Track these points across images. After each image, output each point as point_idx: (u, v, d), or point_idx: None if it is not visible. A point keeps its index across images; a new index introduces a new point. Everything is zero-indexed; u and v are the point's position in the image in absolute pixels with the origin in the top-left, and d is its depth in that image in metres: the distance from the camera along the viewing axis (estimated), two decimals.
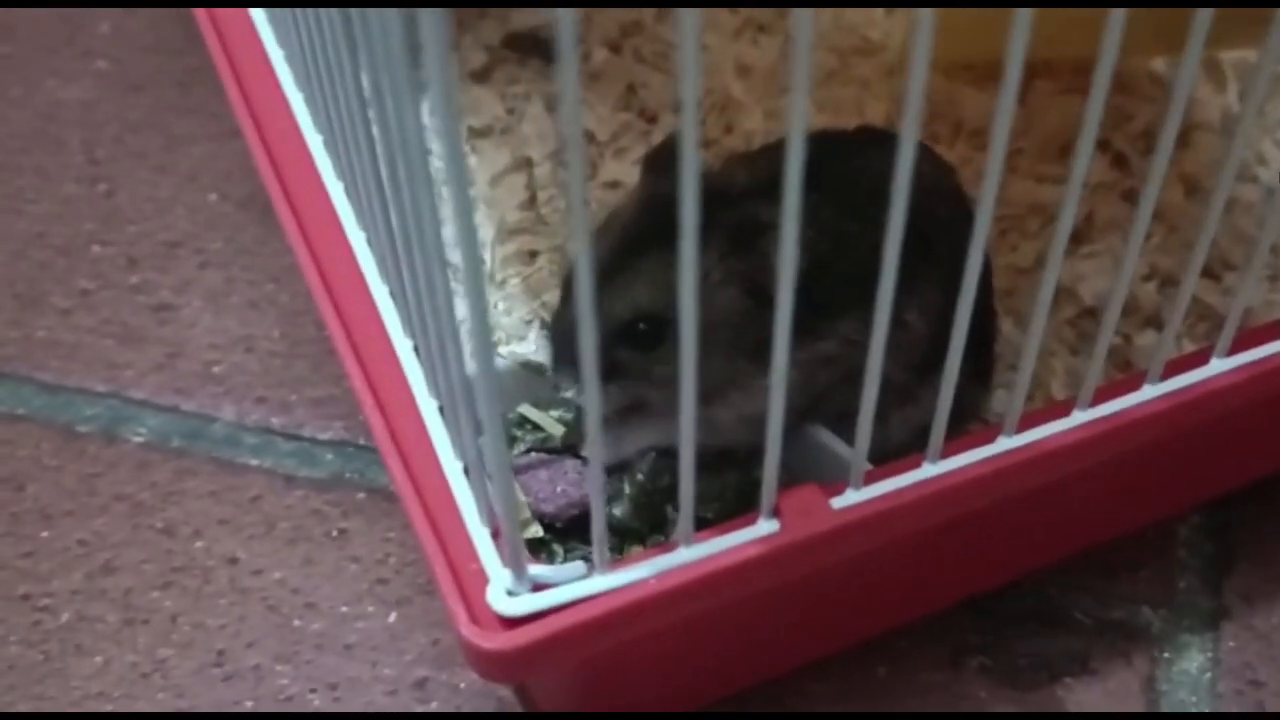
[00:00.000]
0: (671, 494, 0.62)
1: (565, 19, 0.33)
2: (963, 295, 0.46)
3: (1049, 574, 0.67)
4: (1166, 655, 0.65)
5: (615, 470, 0.62)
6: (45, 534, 0.69)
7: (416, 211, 0.42)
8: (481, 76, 0.85)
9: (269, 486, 0.71)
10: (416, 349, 0.56)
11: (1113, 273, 0.72)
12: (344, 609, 0.66)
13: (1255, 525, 0.69)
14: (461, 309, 0.71)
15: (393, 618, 0.66)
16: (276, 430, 0.73)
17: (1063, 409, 0.54)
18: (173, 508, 0.70)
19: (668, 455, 0.59)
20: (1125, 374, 0.69)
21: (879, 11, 0.87)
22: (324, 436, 0.73)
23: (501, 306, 0.73)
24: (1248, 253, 0.72)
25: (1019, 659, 0.64)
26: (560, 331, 0.59)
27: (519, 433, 0.63)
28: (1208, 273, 0.74)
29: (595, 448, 0.44)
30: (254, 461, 0.72)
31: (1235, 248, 0.75)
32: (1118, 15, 0.40)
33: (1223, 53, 0.83)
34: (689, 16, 0.33)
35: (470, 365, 0.43)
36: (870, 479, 0.51)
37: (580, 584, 0.48)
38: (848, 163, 0.60)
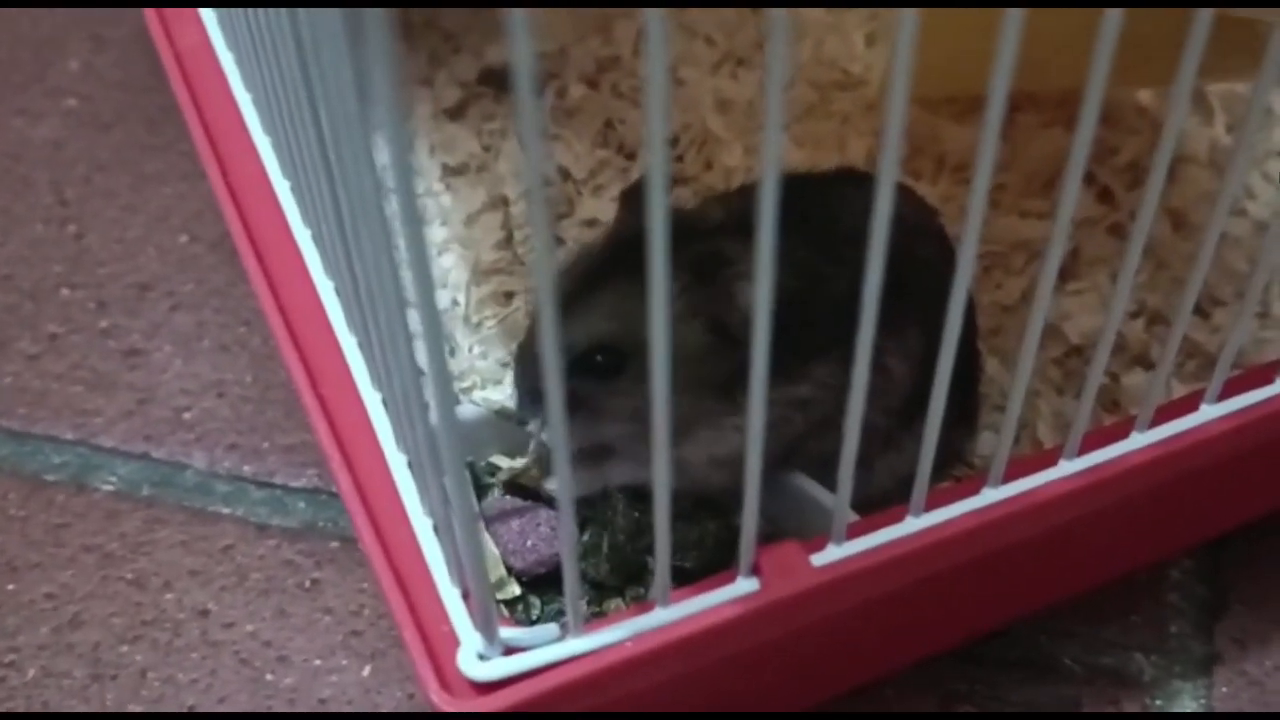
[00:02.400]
0: (648, 548, 0.61)
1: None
2: (945, 339, 0.45)
3: (1039, 620, 0.65)
4: (1159, 702, 0.63)
5: (593, 523, 0.60)
6: (11, 586, 0.67)
7: (375, 258, 0.40)
8: (456, 113, 0.83)
9: (241, 536, 0.69)
10: (385, 402, 0.54)
11: (1100, 310, 0.71)
12: (317, 662, 0.65)
13: (1248, 567, 0.68)
14: (422, 356, 0.71)
15: (367, 671, 0.64)
16: (248, 478, 0.72)
17: (1049, 457, 0.53)
18: (143, 558, 0.68)
19: (644, 502, 0.58)
20: (1113, 414, 0.68)
21: (859, 45, 0.86)
22: (296, 484, 0.71)
23: (477, 350, 0.71)
24: (1236, 288, 0.71)
25: (1009, 707, 0.63)
26: (523, 363, 0.58)
27: (491, 480, 0.62)
28: (1196, 309, 0.73)
29: (566, 513, 0.42)
30: (225, 510, 0.70)
31: (1223, 283, 0.73)
32: (1105, 46, 0.39)
33: (1209, 85, 0.82)
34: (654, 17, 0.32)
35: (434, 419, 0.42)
36: (852, 533, 0.50)
37: (554, 647, 0.47)
38: (825, 204, 0.58)
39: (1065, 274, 0.74)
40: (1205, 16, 0.41)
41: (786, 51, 0.34)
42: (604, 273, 0.56)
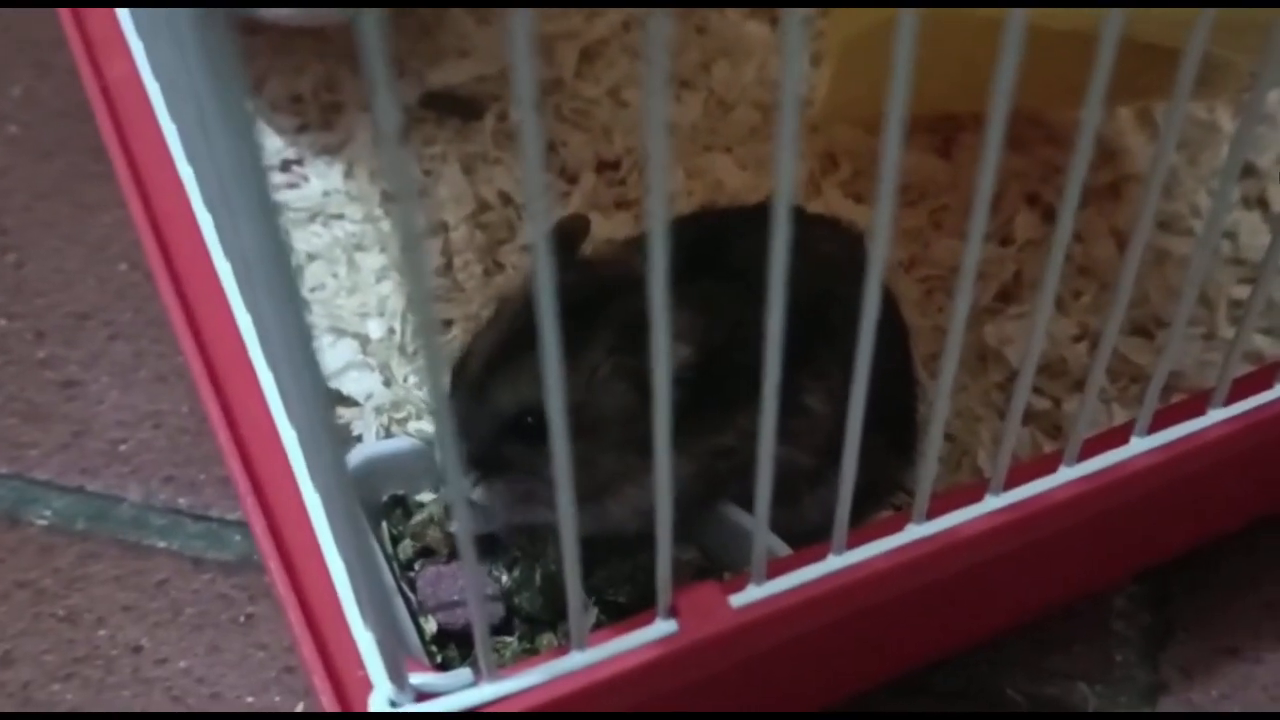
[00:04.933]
0: (583, 580, 0.60)
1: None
2: (856, 376, 0.44)
3: (981, 649, 0.65)
4: None
5: (524, 558, 0.60)
6: None
7: (268, 294, 0.39)
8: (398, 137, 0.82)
9: (176, 570, 0.68)
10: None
11: (1044, 337, 0.70)
12: (250, 699, 0.64)
13: (1194, 595, 0.67)
14: (358, 386, 0.70)
15: (300, 707, 0.64)
16: (184, 510, 0.71)
17: (975, 492, 0.52)
18: (76, 594, 0.68)
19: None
20: (1054, 439, 0.67)
21: (805, 65, 0.85)
22: (232, 517, 0.70)
23: (413, 380, 0.70)
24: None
25: None
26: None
27: (420, 517, 0.62)
28: (1141, 330, 0.72)
29: (469, 558, 0.41)
30: (161, 543, 0.69)
31: (1169, 304, 0.73)
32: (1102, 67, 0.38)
33: (1156, 104, 0.82)
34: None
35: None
36: (773, 572, 0.49)
37: (466, 694, 0.46)
38: (749, 243, 0.58)
39: (1007, 297, 0.73)
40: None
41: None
42: (528, 333, 0.55)
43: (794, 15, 0.34)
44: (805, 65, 0.85)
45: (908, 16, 0.35)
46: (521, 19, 0.31)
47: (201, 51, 0.30)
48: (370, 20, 0.30)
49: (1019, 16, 0.37)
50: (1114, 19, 0.39)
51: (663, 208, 0.35)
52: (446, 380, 0.66)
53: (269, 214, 0.33)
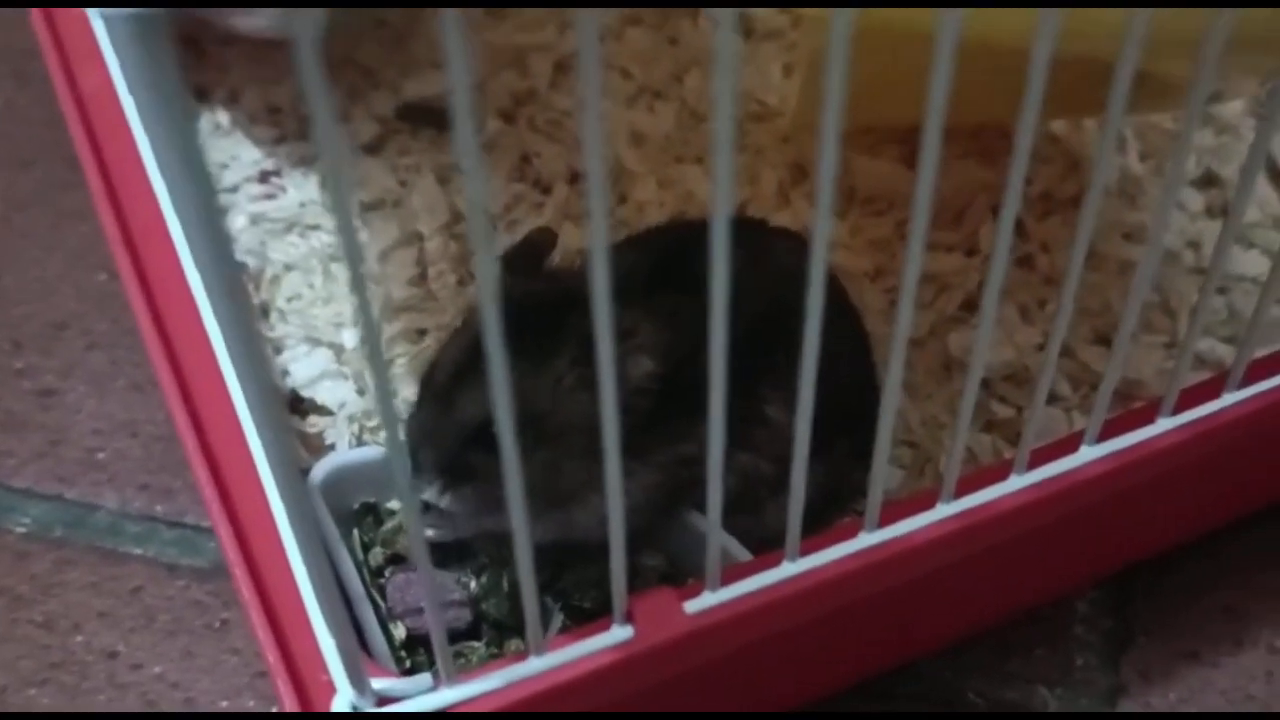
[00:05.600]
0: (548, 586, 0.61)
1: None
2: (802, 378, 0.45)
3: (942, 654, 0.65)
4: None
5: (492, 564, 0.61)
6: None
7: (216, 303, 0.40)
8: (373, 149, 0.83)
9: (151, 576, 0.69)
10: None
11: (1006, 344, 0.71)
12: (224, 703, 0.65)
13: (1154, 600, 0.68)
14: (332, 394, 0.70)
15: (273, 711, 0.64)
16: (159, 517, 0.72)
17: (928, 499, 0.53)
18: (52, 600, 0.68)
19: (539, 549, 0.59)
20: (1015, 447, 0.68)
21: (776, 75, 0.86)
22: (206, 524, 0.71)
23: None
24: (1143, 318, 0.71)
25: None
26: (414, 434, 0.58)
27: (390, 524, 0.63)
28: (1104, 340, 0.73)
29: (423, 564, 0.42)
30: (136, 550, 0.70)
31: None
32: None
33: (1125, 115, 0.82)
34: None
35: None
36: (727, 579, 0.50)
37: (426, 698, 0.47)
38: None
39: (971, 306, 0.74)
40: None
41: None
42: None
43: (725, 15, 0.34)
44: (776, 76, 0.86)
45: (840, 19, 0.36)
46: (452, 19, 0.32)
47: (135, 56, 0.30)
48: (304, 23, 0.31)
49: (951, 25, 0.37)
50: (1045, 32, 0.40)
51: (602, 221, 0.36)
52: (405, 389, 0.67)
53: (213, 220, 0.34)
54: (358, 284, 0.35)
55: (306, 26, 0.31)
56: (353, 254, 0.34)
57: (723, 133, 0.35)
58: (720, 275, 0.39)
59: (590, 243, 0.37)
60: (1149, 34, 0.42)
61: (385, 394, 0.37)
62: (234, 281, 0.34)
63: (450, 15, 0.32)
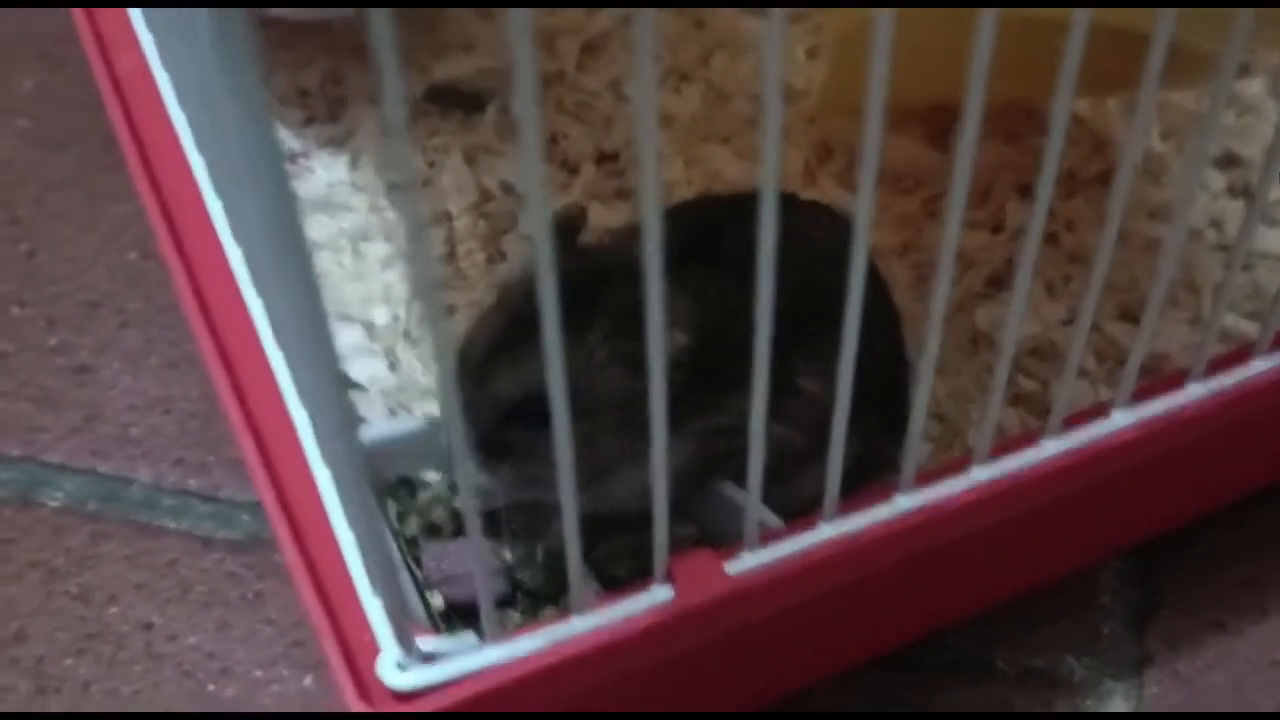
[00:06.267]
0: (584, 556, 0.61)
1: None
2: (843, 352, 0.46)
3: (969, 623, 0.66)
4: (1090, 703, 0.64)
5: (526, 534, 0.61)
6: None
7: (284, 283, 0.41)
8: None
9: (185, 549, 0.70)
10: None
11: (1032, 318, 0.72)
12: (259, 673, 0.65)
13: (1179, 569, 0.69)
14: (364, 370, 0.72)
15: (308, 681, 0.65)
16: (194, 492, 0.72)
17: (962, 463, 0.54)
18: (88, 573, 0.69)
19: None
20: (1042, 421, 0.69)
21: (801, 57, 0.87)
22: (241, 498, 0.72)
23: (417, 365, 0.72)
24: (1168, 295, 0.72)
25: (940, 711, 0.64)
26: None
27: (426, 495, 0.63)
28: (1130, 316, 0.74)
29: (473, 526, 0.43)
30: (171, 524, 0.71)
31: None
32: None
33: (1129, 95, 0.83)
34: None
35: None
36: (765, 540, 0.51)
37: (472, 656, 0.48)
38: (743, 229, 0.59)
39: (999, 283, 0.75)
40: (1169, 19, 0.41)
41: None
42: (531, 320, 0.57)
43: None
44: (801, 58, 0.87)
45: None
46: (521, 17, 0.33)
47: (220, 49, 0.31)
48: (381, 18, 0.32)
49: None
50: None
51: (654, 194, 0.36)
52: (452, 364, 0.68)
53: (288, 204, 0.35)
54: (420, 263, 0.35)
55: (384, 15, 0.32)
56: (419, 235, 0.35)
57: (771, 115, 0.36)
58: (766, 249, 0.40)
59: (641, 213, 0.37)
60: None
61: (444, 369, 0.37)
62: (306, 253, 0.35)
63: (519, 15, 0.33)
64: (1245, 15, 0.44)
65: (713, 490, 0.61)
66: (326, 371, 0.39)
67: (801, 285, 0.50)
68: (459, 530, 0.62)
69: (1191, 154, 0.76)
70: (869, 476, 0.66)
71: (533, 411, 0.56)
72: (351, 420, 0.40)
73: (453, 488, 0.63)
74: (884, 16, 0.37)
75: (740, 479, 0.59)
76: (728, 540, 0.60)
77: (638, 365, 0.55)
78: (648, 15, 0.34)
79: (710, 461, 0.59)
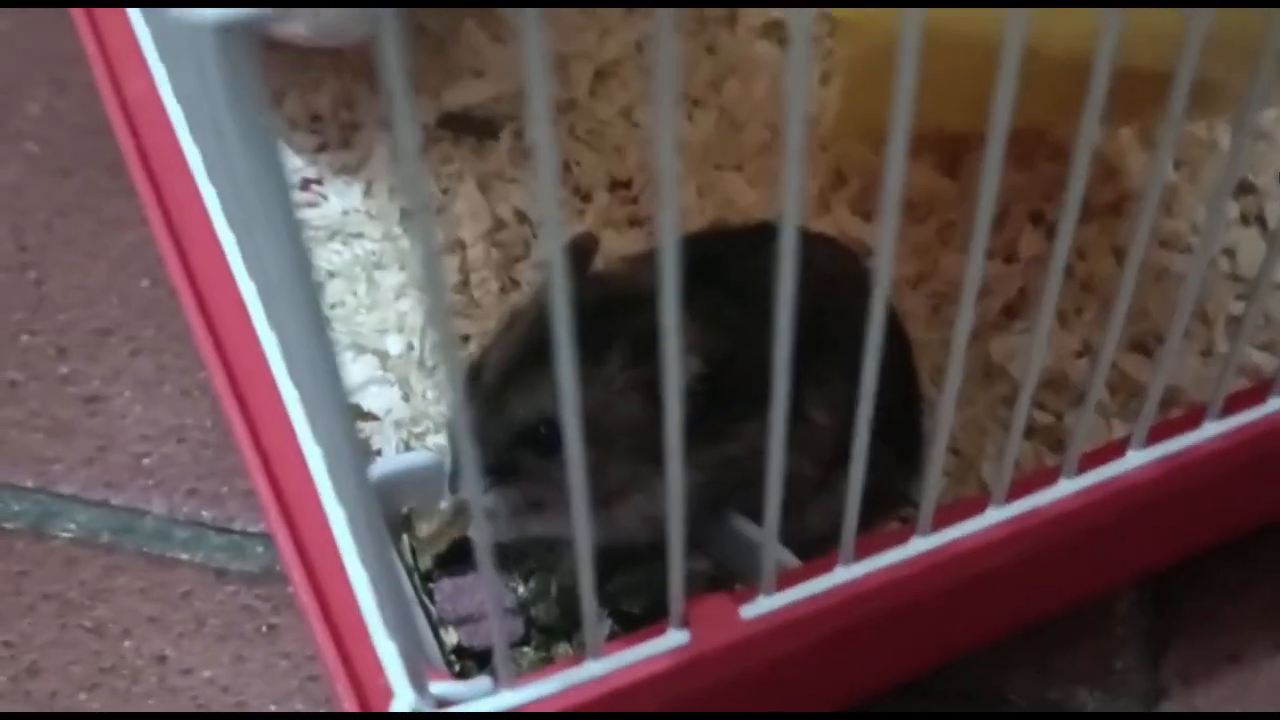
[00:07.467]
0: (597, 591, 0.61)
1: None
2: (864, 386, 0.45)
3: (983, 654, 0.66)
4: None
5: (539, 570, 0.61)
6: None
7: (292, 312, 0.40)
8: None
9: (200, 581, 0.70)
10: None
11: (1046, 349, 0.71)
12: (273, 707, 0.66)
13: (1195, 600, 0.69)
14: (378, 401, 0.71)
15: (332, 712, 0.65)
16: (207, 523, 0.72)
17: (978, 504, 0.53)
18: (101, 606, 0.69)
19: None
20: (1057, 454, 0.69)
21: (814, 84, 0.87)
22: (255, 529, 0.72)
23: (431, 395, 0.72)
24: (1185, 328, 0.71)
25: None
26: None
27: (435, 523, 0.63)
28: (1140, 347, 0.74)
29: (486, 568, 0.43)
30: (185, 556, 0.71)
31: (1168, 320, 0.74)
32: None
33: (1156, 124, 0.83)
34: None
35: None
36: (782, 583, 0.51)
37: (485, 700, 0.48)
38: (751, 259, 0.59)
39: (1012, 312, 0.75)
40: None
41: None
42: (544, 343, 0.57)
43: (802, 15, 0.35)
44: (814, 83, 0.87)
45: (911, 23, 0.36)
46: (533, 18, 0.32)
47: (221, 67, 0.31)
48: (389, 40, 0.31)
49: (1016, 35, 0.38)
50: (1107, 42, 0.40)
51: (673, 220, 0.36)
52: (462, 394, 0.68)
53: (294, 234, 0.34)
54: (434, 288, 0.35)
55: (391, 23, 0.31)
56: (433, 263, 0.35)
57: (793, 140, 0.36)
58: (787, 280, 0.40)
59: (659, 238, 0.37)
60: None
61: (455, 398, 0.37)
62: (312, 286, 0.35)
63: (532, 15, 0.33)
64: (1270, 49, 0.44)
65: (724, 522, 0.61)
66: (336, 412, 0.39)
67: (809, 313, 0.50)
68: (469, 558, 0.62)
69: (1213, 192, 0.76)
70: (882, 509, 0.66)
71: (544, 436, 0.56)
72: (363, 468, 0.40)
73: (457, 513, 0.63)
74: (909, 45, 0.37)
75: (749, 509, 0.59)
76: (739, 573, 0.60)
77: (654, 392, 0.55)
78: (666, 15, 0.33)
79: (720, 494, 0.59)
